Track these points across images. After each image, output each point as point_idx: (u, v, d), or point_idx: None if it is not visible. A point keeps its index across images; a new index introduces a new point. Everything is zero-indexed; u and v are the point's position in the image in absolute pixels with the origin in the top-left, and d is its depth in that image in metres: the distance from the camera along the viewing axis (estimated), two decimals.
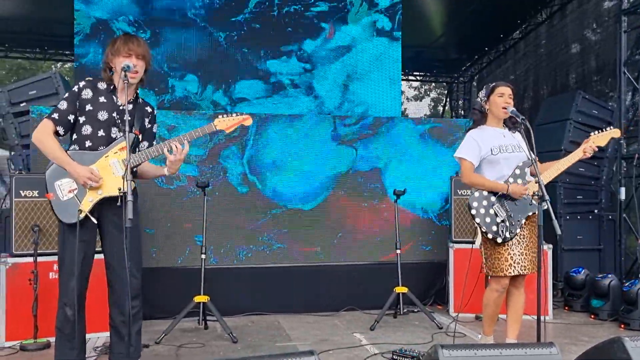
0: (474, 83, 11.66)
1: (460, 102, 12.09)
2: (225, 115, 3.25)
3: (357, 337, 4.57)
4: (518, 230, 3.67)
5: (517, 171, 3.73)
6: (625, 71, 6.15)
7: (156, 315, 4.98)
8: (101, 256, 3.24)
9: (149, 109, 3.35)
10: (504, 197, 3.71)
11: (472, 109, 4.09)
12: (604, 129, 3.81)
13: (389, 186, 5.74)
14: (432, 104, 20.72)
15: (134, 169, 3.23)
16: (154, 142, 3.37)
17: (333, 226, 5.70)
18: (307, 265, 5.58)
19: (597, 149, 3.75)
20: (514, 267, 3.66)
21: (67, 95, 3.18)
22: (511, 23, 9.24)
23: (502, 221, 3.67)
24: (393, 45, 7.25)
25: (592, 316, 5.28)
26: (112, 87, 3.19)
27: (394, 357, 3.86)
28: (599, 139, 3.75)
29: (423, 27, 9.26)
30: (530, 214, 3.68)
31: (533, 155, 3.45)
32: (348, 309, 5.44)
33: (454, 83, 12.20)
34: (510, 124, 3.85)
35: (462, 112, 11.91)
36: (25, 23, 8.57)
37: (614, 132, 3.82)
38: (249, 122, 3.28)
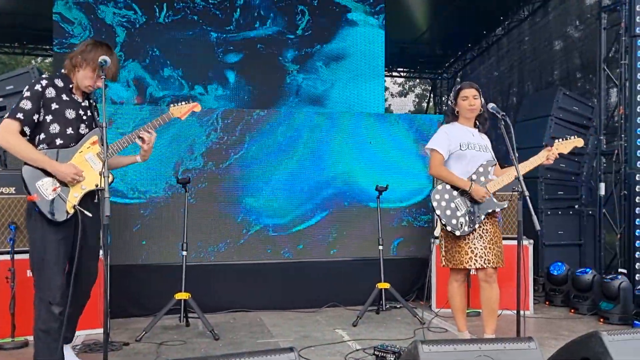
0: (458, 79, 11.69)
1: (444, 98, 12.13)
2: (178, 104, 3.49)
3: (339, 333, 4.57)
4: (477, 226, 3.73)
5: (481, 169, 3.81)
6: (605, 68, 6.20)
7: (136, 313, 4.95)
8: None
9: (92, 102, 3.42)
10: (466, 192, 3.77)
11: (444, 110, 4.20)
12: (568, 137, 3.91)
13: (370, 182, 5.74)
14: (417, 100, 20.77)
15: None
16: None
17: (315, 222, 5.69)
18: (289, 261, 5.57)
19: (558, 157, 3.86)
20: (476, 260, 3.72)
21: (29, 94, 3.11)
22: (494, 19, 9.27)
23: (462, 215, 3.74)
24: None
25: (572, 310, 5.33)
26: (70, 86, 3.24)
27: (376, 352, 3.85)
28: (562, 146, 3.87)
29: (407, 23, 9.27)
30: (490, 211, 3.76)
31: (514, 153, 3.49)
32: (330, 305, 5.44)
33: (438, 79, 12.24)
34: (480, 125, 3.95)
35: (446, 109, 11.96)
36: (4, 17, 8.43)
37: (577, 142, 3.91)
38: (197, 108, 3.54)
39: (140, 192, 5.24)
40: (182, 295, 4.54)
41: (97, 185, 3.01)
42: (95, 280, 3.36)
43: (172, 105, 3.49)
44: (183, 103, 3.50)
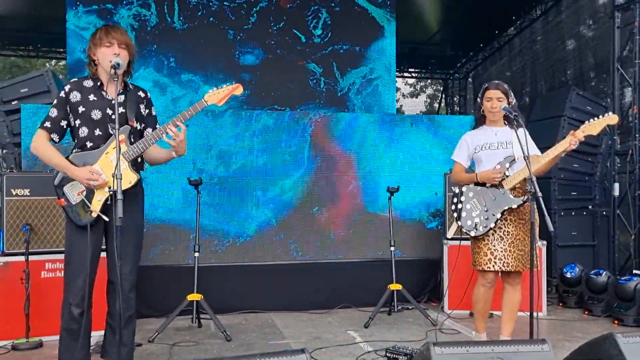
0: (470, 79, 11.65)
1: (455, 98, 12.07)
2: (215, 89, 3.16)
3: (351, 334, 4.56)
4: (492, 225, 3.68)
5: (498, 166, 3.77)
6: (619, 67, 6.14)
7: (149, 314, 4.97)
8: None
9: (142, 94, 3.29)
10: (483, 192, 3.76)
11: (475, 111, 4.17)
12: (597, 117, 3.57)
13: (384, 182, 5.73)
14: (428, 101, 20.69)
15: (139, 160, 3.21)
16: (158, 125, 3.32)
17: (327, 223, 5.70)
18: (301, 262, 5.58)
19: (583, 139, 3.56)
20: (494, 262, 3.68)
21: (55, 101, 3.16)
22: (506, 19, 9.23)
23: (477, 215, 3.73)
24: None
25: (586, 312, 5.28)
26: (99, 83, 3.16)
27: (388, 354, 3.85)
28: (591, 127, 3.54)
29: (418, 23, 9.26)
30: (506, 208, 3.67)
31: (526, 152, 3.46)
32: (342, 307, 5.43)
33: (449, 80, 12.19)
34: (509, 124, 3.86)
35: (458, 109, 11.90)
36: (18, 21, 8.53)
37: (610, 119, 3.55)
38: (239, 90, 3.16)
39: (152, 193, 5.26)
40: (194, 297, 4.56)
41: (110, 188, 2.96)
42: (130, 287, 3.16)
43: (209, 91, 3.14)
44: (225, 85, 3.15)
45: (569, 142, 3.55)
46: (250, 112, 5.75)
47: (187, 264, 5.10)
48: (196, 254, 4.67)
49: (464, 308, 5.04)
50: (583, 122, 6.28)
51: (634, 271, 5.41)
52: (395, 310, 5.14)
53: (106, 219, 3.07)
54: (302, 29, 7.07)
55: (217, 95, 3.13)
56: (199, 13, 6.79)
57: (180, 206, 5.33)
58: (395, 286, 4.99)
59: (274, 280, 5.42)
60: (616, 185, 6.08)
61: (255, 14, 6.96)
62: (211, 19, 6.82)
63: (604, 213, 6.40)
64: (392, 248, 5.11)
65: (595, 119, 3.58)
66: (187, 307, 4.57)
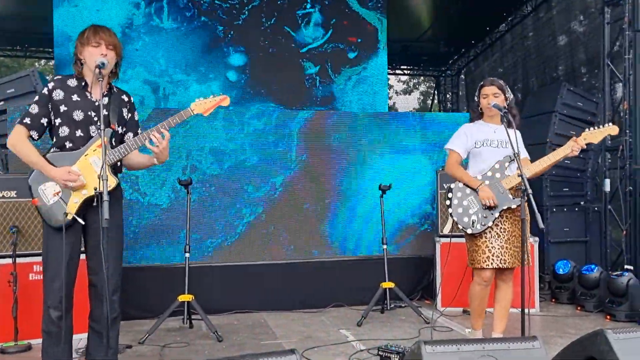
0: (462, 76, 11.65)
1: (448, 95, 12.07)
2: (202, 98, 3.13)
3: (344, 333, 4.54)
4: (490, 223, 3.67)
5: (497, 165, 3.76)
6: (609, 63, 6.13)
7: (140, 315, 4.93)
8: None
9: (125, 98, 3.23)
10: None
11: (471, 108, 4.15)
12: (598, 126, 3.68)
13: (374, 180, 5.70)
14: (421, 98, 20.69)
15: (119, 163, 3.16)
16: (139, 131, 3.27)
17: (318, 221, 5.67)
18: (293, 261, 5.55)
19: (585, 146, 3.65)
20: (492, 260, 3.67)
21: (37, 98, 3.08)
22: (497, 16, 9.22)
23: (474, 213, 3.70)
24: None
25: (579, 308, 5.29)
26: (83, 84, 3.10)
27: (380, 352, 3.83)
28: (592, 135, 3.63)
29: (410, 21, 9.25)
30: (505, 207, 3.67)
31: (516, 149, 3.44)
32: (335, 306, 5.41)
33: (441, 76, 12.19)
34: (507, 121, 3.83)
35: (450, 106, 11.90)
36: (6, 21, 8.46)
37: (611, 129, 3.65)
38: (226, 102, 3.16)
39: (140, 193, 5.22)
40: (185, 297, 4.52)
41: (95, 189, 2.91)
42: (112, 289, 3.05)
43: (196, 100, 3.12)
44: (212, 96, 3.14)
45: (570, 148, 3.60)
46: (242, 110, 5.72)
47: (177, 264, 5.06)
48: (187, 254, 4.64)
49: (457, 305, 5.03)
50: (574, 118, 6.38)
51: (626, 266, 5.42)
52: (388, 308, 5.12)
53: (82, 222, 3.00)
54: (294, 27, 7.04)
55: (203, 105, 3.11)
56: (188, 13, 6.75)
57: (171, 206, 5.29)
58: (387, 284, 4.97)
59: (266, 279, 5.39)
60: (607, 181, 6.07)
61: (246, 12, 6.92)
62: (202, 18, 6.78)
63: (596, 209, 6.41)
64: (385, 246, 5.09)
65: (597, 127, 3.66)
66: (178, 307, 4.53)
